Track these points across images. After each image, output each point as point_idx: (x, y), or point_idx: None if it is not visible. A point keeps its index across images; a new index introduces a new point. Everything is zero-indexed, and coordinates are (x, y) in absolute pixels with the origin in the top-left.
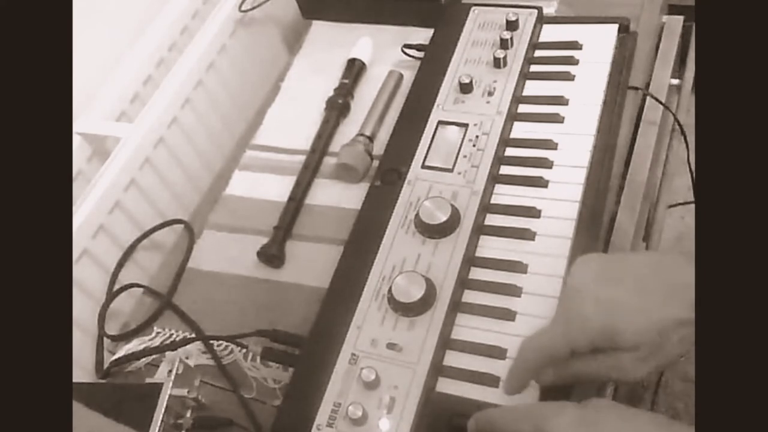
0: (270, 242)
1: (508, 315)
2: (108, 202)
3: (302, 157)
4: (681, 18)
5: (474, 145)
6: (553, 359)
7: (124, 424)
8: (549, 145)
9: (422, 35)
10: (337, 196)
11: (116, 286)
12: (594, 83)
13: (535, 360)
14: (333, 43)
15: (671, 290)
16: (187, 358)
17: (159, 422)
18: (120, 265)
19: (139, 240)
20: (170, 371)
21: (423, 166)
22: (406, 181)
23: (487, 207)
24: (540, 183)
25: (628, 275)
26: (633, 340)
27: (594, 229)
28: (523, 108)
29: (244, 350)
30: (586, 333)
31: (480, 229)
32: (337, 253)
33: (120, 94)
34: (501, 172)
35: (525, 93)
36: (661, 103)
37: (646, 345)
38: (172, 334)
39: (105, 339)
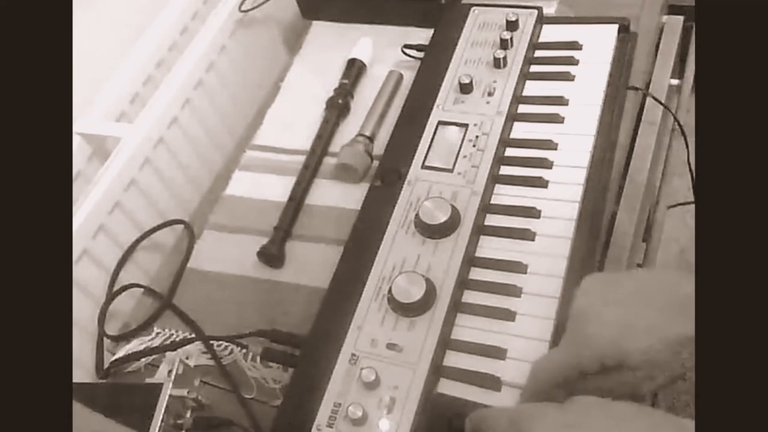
0: (270, 242)
1: (508, 315)
2: (108, 202)
3: (302, 157)
4: (681, 18)
5: (474, 146)
6: (563, 381)
7: (124, 424)
8: (549, 145)
9: (422, 35)
10: (337, 196)
11: (116, 286)
12: (594, 83)
13: (546, 383)
14: (333, 43)
15: (676, 307)
16: (187, 358)
17: (159, 422)
18: (120, 265)
19: (139, 240)
20: (170, 371)
21: (423, 167)
22: (406, 181)
23: (487, 207)
24: (540, 183)
25: (632, 294)
26: (641, 359)
27: (594, 229)
28: (523, 108)
29: (244, 350)
30: (595, 355)
31: (480, 230)
32: (337, 253)
33: (120, 94)
34: (501, 172)
35: (525, 93)
36: (661, 103)
37: (654, 362)
38: (172, 335)
39: (105, 339)
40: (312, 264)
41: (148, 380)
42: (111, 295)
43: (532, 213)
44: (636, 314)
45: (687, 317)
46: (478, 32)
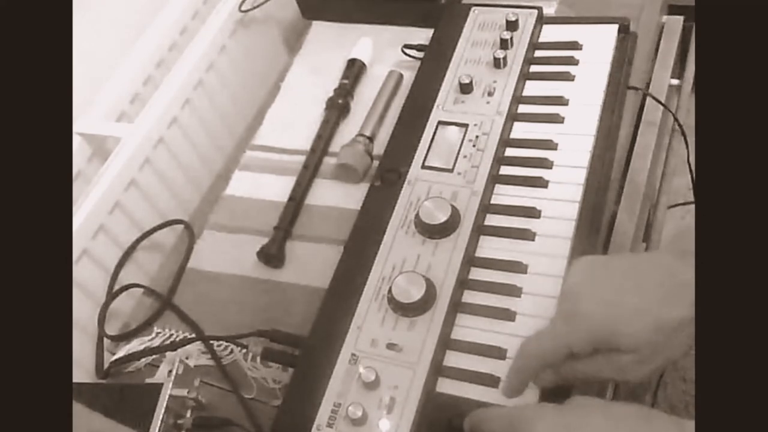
0: (270, 242)
1: (508, 315)
2: (108, 202)
3: (302, 157)
4: (681, 18)
5: (474, 146)
6: (552, 361)
7: (124, 424)
8: (549, 145)
9: (422, 35)
10: (337, 196)
11: (116, 286)
12: (594, 83)
13: (534, 362)
14: (333, 43)
15: (669, 290)
16: (187, 358)
17: (159, 422)
18: (120, 265)
19: (139, 240)
20: (170, 371)
21: (423, 166)
22: (406, 181)
23: (487, 207)
24: (540, 183)
25: (625, 276)
26: (633, 341)
27: (594, 229)
28: (523, 108)
29: (244, 350)
30: (585, 335)
31: (480, 230)
32: (337, 253)
33: (120, 94)
34: (501, 172)
35: (525, 93)
36: (661, 103)
37: (645, 346)
38: (172, 334)
39: (105, 339)
40: (312, 264)
41: (148, 380)
42: (111, 295)
43: (532, 213)
44: (629, 296)
45: (679, 301)
46: (478, 32)
